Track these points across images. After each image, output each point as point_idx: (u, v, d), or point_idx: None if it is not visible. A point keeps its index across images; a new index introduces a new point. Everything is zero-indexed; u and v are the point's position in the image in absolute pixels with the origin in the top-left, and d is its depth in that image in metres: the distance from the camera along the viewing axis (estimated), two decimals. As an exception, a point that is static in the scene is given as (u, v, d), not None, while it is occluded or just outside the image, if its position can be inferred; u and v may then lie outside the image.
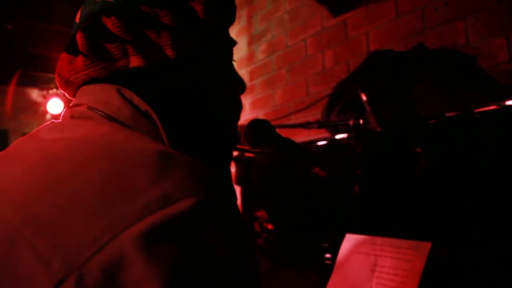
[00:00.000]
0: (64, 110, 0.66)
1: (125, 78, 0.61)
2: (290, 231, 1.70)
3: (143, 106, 0.59)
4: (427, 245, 0.98)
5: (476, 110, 1.13)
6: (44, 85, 5.00)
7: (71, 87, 0.68)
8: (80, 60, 0.62)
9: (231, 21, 0.72)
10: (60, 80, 0.67)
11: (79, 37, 0.62)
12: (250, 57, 2.81)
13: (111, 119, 0.59)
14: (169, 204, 0.43)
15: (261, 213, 1.85)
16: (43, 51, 4.21)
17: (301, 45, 2.40)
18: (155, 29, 0.60)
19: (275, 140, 0.95)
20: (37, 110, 5.31)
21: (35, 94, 5.57)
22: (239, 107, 0.77)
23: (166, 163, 0.48)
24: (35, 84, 5.29)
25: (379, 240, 1.09)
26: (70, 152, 0.52)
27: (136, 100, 0.59)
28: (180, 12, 0.62)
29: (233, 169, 2.04)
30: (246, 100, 2.77)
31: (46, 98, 4.77)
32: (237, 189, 2.05)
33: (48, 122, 0.64)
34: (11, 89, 5.17)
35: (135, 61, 0.60)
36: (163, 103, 0.63)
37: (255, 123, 0.95)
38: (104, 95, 0.61)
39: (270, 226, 1.80)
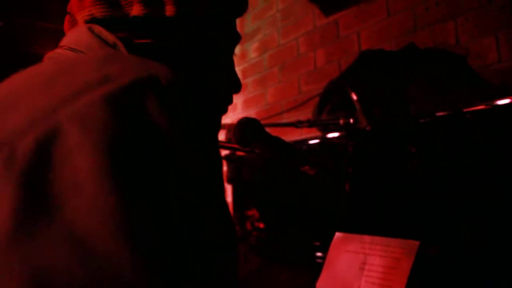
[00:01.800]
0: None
1: (124, 27, 0.62)
2: (281, 230, 1.70)
3: (110, 38, 0.60)
4: (415, 244, 0.98)
5: (466, 110, 1.14)
6: (36, 82, 4.96)
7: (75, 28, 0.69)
8: None
9: (239, 9, 0.75)
10: (69, 19, 0.69)
11: None
12: (242, 56, 2.81)
13: (82, 53, 0.60)
14: (107, 82, 0.43)
15: (252, 212, 1.85)
16: (37, 49, 4.18)
17: (293, 44, 2.40)
18: None
19: (264, 139, 0.94)
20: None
21: (26, 91, 5.53)
22: (229, 100, 0.78)
23: (113, 57, 0.49)
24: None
25: (368, 238, 1.09)
26: (30, 71, 0.53)
27: (104, 33, 0.60)
28: None
29: (225, 167, 2.03)
30: (238, 99, 2.77)
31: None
32: (229, 188, 2.05)
33: None
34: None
35: (136, 10, 0.62)
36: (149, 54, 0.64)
37: (244, 122, 0.95)
38: (76, 34, 0.62)
39: (261, 225, 1.80)
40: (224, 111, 0.78)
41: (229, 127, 1.71)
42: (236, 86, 0.78)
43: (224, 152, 1.80)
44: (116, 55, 0.51)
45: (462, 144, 1.14)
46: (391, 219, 1.25)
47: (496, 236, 1.03)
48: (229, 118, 2.54)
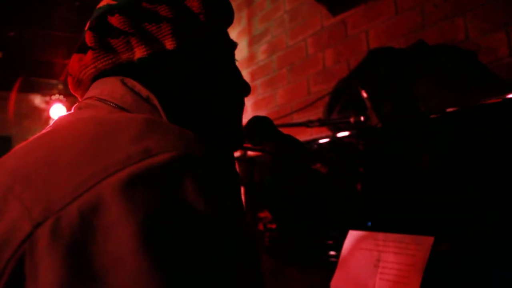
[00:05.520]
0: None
1: (132, 70, 0.65)
2: (294, 230, 1.70)
3: (144, 92, 0.63)
4: (430, 240, 0.98)
5: (477, 104, 1.13)
6: (47, 91, 5.02)
7: (82, 87, 0.72)
8: (89, 55, 0.66)
9: (228, 21, 0.76)
10: (72, 81, 0.72)
11: (88, 36, 0.67)
12: (251, 58, 2.81)
13: (115, 106, 0.63)
14: (149, 156, 0.45)
15: (264, 214, 1.85)
16: (45, 57, 4.23)
17: (302, 45, 2.40)
18: (155, 22, 0.65)
19: (276, 136, 0.95)
20: (40, 116, 5.34)
21: (38, 100, 5.60)
22: (241, 105, 0.80)
23: (152, 127, 0.51)
24: (37, 90, 5.32)
25: (381, 235, 1.09)
26: (66, 126, 0.57)
27: (138, 87, 0.63)
28: (178, 7, 0.67)
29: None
30: (248, 101, 2.77)
31: (49, 104, 4.80)
32: (241, 190, 2.05)
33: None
34: (14, 95, 5.20)
35: (139, 52, 0.64)
36: (166, 91, 0.67)
37: (255, 120, 0.95)
38: (109, 86, 0.65)
39: (274, 226, 1.80)
40: (240, 145, 0.81)
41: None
42: (245, 89, 0.80)
43: (235, 154, 1.81)
44: (155, 123, 0.53)
45: (473, 140, 1.14)
46: (403, 217, 1.24)
47: (509, 231, 1.02)
48: (239, 120, 2.53)
